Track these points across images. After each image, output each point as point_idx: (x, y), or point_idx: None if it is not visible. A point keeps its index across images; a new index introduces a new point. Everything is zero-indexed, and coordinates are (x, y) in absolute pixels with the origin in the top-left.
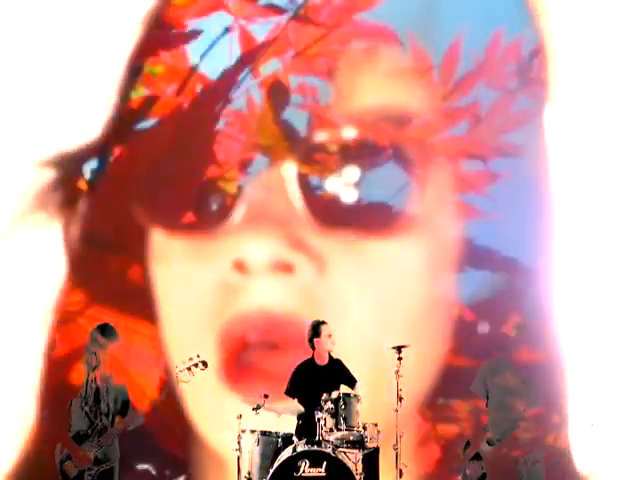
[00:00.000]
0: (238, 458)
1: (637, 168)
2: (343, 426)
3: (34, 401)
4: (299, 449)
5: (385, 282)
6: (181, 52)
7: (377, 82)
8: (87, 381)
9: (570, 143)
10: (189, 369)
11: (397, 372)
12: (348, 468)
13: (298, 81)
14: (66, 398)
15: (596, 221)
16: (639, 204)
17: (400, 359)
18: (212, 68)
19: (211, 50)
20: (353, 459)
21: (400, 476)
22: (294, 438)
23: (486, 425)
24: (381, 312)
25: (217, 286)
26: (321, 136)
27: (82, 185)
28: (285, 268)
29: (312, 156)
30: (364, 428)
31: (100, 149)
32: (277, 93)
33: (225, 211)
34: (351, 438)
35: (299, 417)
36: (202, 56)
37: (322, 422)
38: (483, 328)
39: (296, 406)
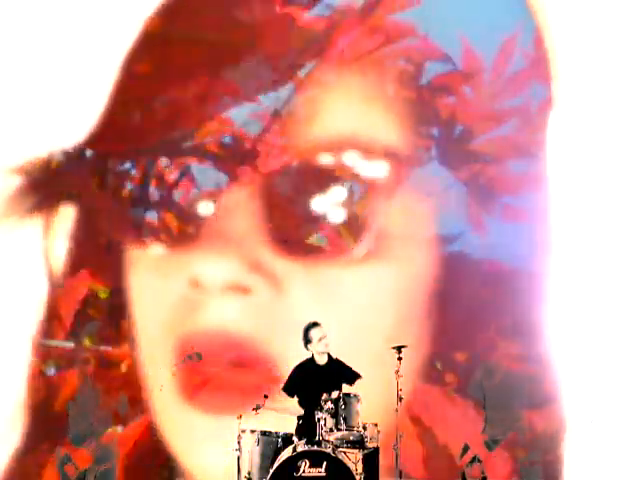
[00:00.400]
0: (238, 458)
1: (636, 167)
2: (343, 426)
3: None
4: (299, 449)
5: (344, 306)
6: None
7: (350, 108)
8: (83, 383)
9: (572, 143)
10: (183, 361)
11: (397, 372)
12: (348, 468)
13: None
14: (53, 407)
15: (593, 222)
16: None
17: (400, 359)
18: None
19: None
20: (353, 459)
21: (400, 476)
22: (294, 438)
23: (484, 427)
24: (339, 336)
25: (175, 302)
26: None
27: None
28: (241, 290)
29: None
30: (364, 428)
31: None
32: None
33: (186, 228)
34: (351, 438)
35: (299, 417)
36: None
37: (322, 422)
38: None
39: (295, 407)
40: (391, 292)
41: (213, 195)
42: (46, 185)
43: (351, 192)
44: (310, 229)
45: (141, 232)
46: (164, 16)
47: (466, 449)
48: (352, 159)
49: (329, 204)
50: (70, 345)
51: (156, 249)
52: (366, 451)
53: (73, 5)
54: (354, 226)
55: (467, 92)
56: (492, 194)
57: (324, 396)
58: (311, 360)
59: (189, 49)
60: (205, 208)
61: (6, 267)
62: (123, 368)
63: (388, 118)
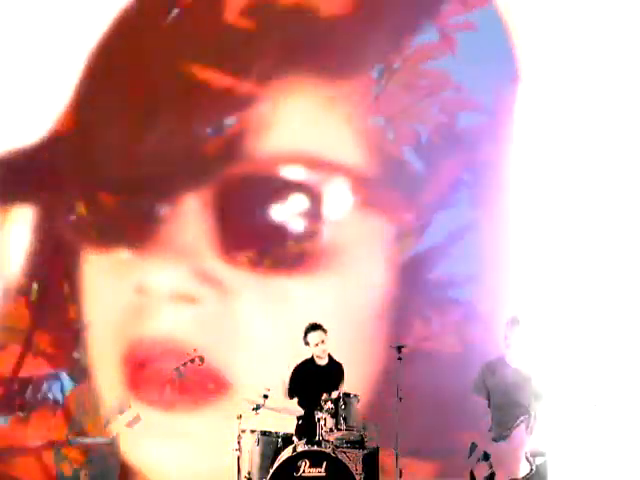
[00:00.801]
0: (238, 458)
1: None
2: (343, 426)
3: None
4: (299, 449)
5: (293, 316)
6: None
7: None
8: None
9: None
10: (184, 365)
11: (397, 372)
12: (348, 468)
13: None
14: None
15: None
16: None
17: (400, 359)
18: None
19: None
20: (353, 459)
21: (400, 476)
22: (294, 438)
23: (490, 425)
24: (286, 346)
25: (125, 307)
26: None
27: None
28: (188, 299)
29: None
30: (364, 428)
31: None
32: None
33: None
34: (351, 438)
35: (299, 417)
36: None
37: (322, 422)
38: None
39: (295, 407)
40: (340, 304)
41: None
42: (2, 185)
43: (306, 205)
44: (265, 240)
45: (93, 235)
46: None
47: (473, 447)
48: (308, 174)
49: (285, 215)
50: None
51: (108, 253)
52: (366, 451)
53: None
54: (308, 238)
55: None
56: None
57: (324, 396)
58: (311, 361)
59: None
60: (158, 215)
61: None
62: None
63: (347, 137)
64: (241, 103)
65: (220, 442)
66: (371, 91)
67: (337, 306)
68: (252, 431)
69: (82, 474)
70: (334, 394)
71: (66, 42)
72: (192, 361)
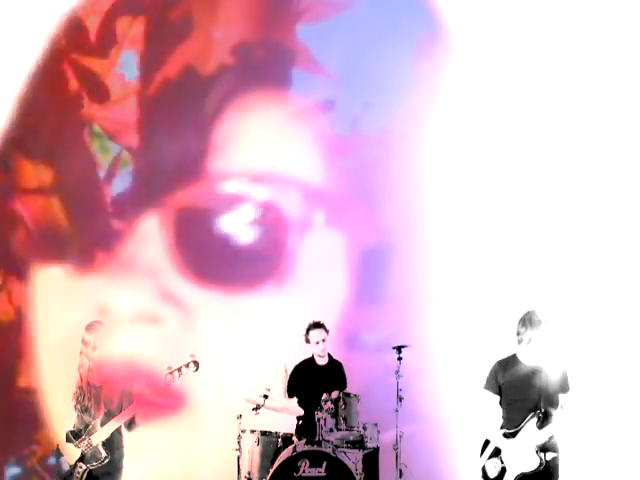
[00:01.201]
0: (238, 458)
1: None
2: (343, 426)
3: None
4: (299, 449)
5: (254, 335)
6: None
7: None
8: (81, 381)
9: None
10: (179, 370)
11: (397, 372)
12: (348, 468)
13: None
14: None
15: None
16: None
17: (400, 359)
18: None
19: None
20: (353, 459)
21: (400, 476)
22: (294, 438)
23: (502, 421)
24: (246, 365)
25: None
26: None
27: None
28: (151, 319)
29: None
30: (364, 428)
31: None
32: None
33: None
34: (351, 438)
35: (299, 417)
36: None
37: (322, 422)
38: None
39: (295, 407)
40: (303, 320)
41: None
42: None
43: (267, 222)
44: (226, 257)
45: (50, 254)
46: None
47: (486, 444)
48: (267, 190)
49: (246, 232)
50: None
51: (65, 273)
52: (366, 451)
53: None
54: (270, 256)
55: None
56: None
57: (324, 396)
58: (311, 360)
59: None
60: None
61: None
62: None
63: (304, 153)
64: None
65: (178, 456)
66: None
67: (299, 322)
68: (252, 431)
69: (75, 472)
70: (334, 394)
71: None
72: (187, 366)
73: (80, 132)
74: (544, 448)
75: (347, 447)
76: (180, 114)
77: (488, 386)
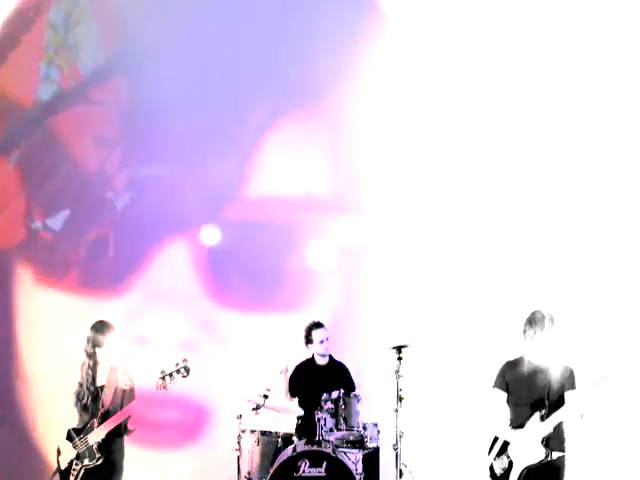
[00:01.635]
0: (238, 458)
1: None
2: (343, 426)
3: None
4: (299, 449)
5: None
6: None
7: None
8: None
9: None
10: (170, 375)
11: (397, 372)
12: (348, 468)
13: None
14: None
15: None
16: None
17: (400, 359)
18: None
19: None
20: (353, 459)
21: (400, 476)
22: (294, 438)
23: (509, 420)
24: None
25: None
26: None
27: None
28: (186, 346)
29: None
30: (364, 428)
31: None
32: None
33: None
34: (351, 438)
35: (299, 417)
36: None
37: (322, 422)
38: None
39: (295, 407)
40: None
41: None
42: None
43: (294, 245)
44: (253, 281)
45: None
46: None
47: (495, 441)
48: (292, 215)
49: (274, 257)
50: None
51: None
52: (366, 451)
53: None
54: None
55: None
56: None
57: (324, 396)
58: (311, 361)
59: None
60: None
61: None
62: None
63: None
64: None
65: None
66: None
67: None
68: (252, 431)
69: (72, 469)
70: (334, 394)
71: None
72: (177, 372)
73: None
74: (549, 442)
75: (347, 447)
76: (213, 141)
77: (497, 384)
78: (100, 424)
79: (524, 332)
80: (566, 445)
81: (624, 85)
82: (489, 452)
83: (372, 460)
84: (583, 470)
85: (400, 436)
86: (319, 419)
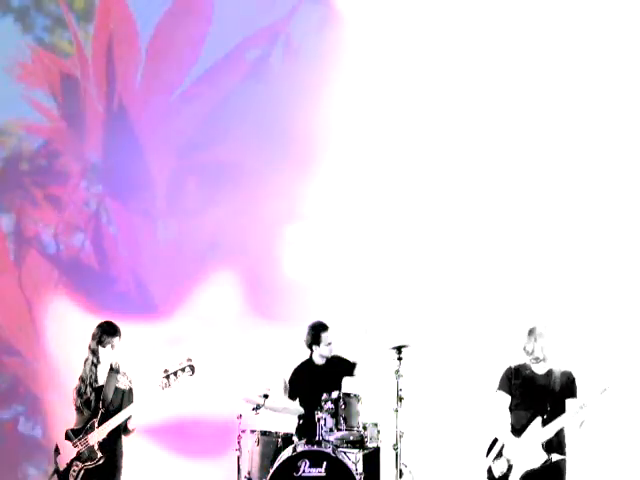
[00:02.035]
0: (238, 458)
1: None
2: (343, 426)
3: None
4: (299, 449)
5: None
6: None
7: None
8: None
9: None
10: (175, 374)
11: (397, 372)
12: (348, 468)
13: None
14: None
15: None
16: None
17: (400, 359)
18: None
19: None
20: (353, 459)
21: (400, 476)
22: (294, 438)
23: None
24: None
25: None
26: None
27: None
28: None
29: None
30: (364, 428)
31: None
32: None
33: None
34: (351, 438)
35: (299, 417)
36: None
37: (322, 422)
38: None
39: (294, 407)
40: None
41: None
42: None
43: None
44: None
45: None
46: None
47: (494, 443)
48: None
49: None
50: None
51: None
52: (366, 451)
53: None
54: None
55: None
56: None
57: (324, 396)
58: (310, 361)
59: None
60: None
61: None
62: None
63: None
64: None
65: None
66: None
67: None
68: (252, 431)
69: (71, 470)
70: (334, 394)
71: None
72: (183, 370)
73: None
74: (549, 444)
75: (347, 447)
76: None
77: (502, 387)
78: (100, 424)
79: (525, 348)
80: (566, 449)
81: (624, 85)
82: (487, 454)
83: (372, 460)
84: (584, 473)
85: (400, 436)
86: (319, 419)
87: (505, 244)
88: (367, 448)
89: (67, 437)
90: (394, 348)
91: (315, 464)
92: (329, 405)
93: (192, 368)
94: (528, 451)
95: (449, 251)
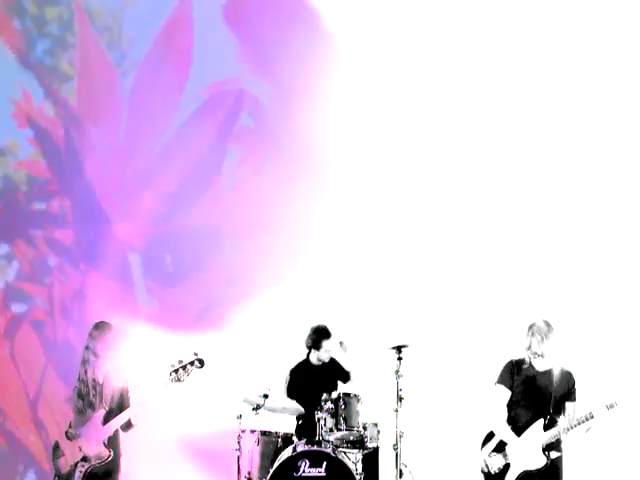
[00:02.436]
0: (238, 458)
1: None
2: (343, 426)
3: None
4: (299, 449)
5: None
6: None
7: None
8: (84, 378)
9: None
10: (184, 367)
11: (397, 372)
12: (348, 468)
13: None
14: None
15: None
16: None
17: (400, 359)
18: None
19: None
20: (353, 459)
21: (400, 476)
22: (294, 438)
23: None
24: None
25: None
26: None
27: None
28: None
29: None
30: (364, 428)
31: None
32: None
33: None
34: (351, 438)
35: (299, 417)
36: None
37: (322, 422)
38: None
39: (294, 407)
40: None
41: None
42: None
43: None
44: None
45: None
46: None
47: (489, 437)
48: None
49: None
50: None
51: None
52: (366, 451)
53: None
54: None
55: None
56: None
57: (324, 396)
58: (306, 362)
59: None
60: None
61: None
62: None
63: None
64: None
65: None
66: None
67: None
68: (252, 431)
69: (77, 471)
70: (334, 394)
71: None
72: (191, 364)
73: None
74: (549, 447)
75: (347, 447)
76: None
77: (502, 381)
78: (105, 422)
79: (528, 346)
80: (563, 445)
81: (623, 86)
82: (482, 446)
83: (372, 460)
84: (582, 470)
85: (400, 436)
86: (319, 419)
87: (505, 245)
88: (367, 448)
89: (68, 438)
90: (394, 348)
91: (315, 464)
92: (329, 405)
93: (201, 361)
94: (528, 452)
95: (449, 251)
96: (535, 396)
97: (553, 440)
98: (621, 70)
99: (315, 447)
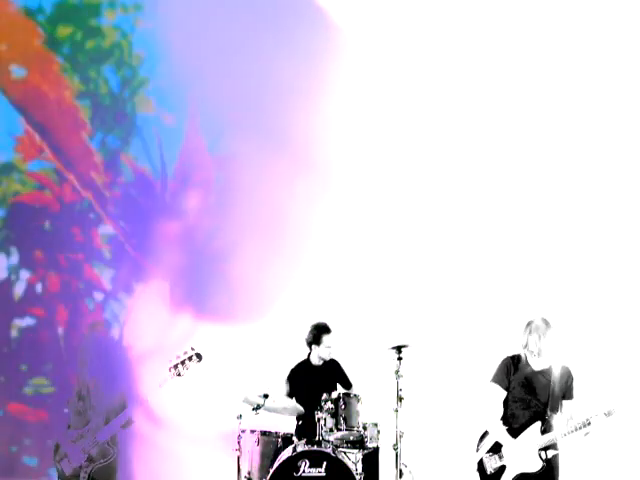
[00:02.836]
0: (238, 458)
1: None
2: (343, 426)
3: None
4: (299, 449)
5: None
6: None
7: None
8: (86, 380)
9: None
10: (183, 363)
11: (397, 372)
12: (348, 468)
13: None
14: None
15: None
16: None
17: (400, 359)
18: None
19: None
20: (353, 459)
21: (400, 476)
22: (294, 438)
23: (507, 417)
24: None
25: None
26: None
27: None
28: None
29: None
30: (364, 428)
31: None
32: None
33: None
34: (351, 438)
35: (299, 417)
36: None
37: (322, 422)
38: None
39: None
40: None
41: None
42: None
43: None
44: None
45: None
46: None
47: (484, 436)
48: None
49: None
50: None
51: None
52: (366, 451)
53: None
54: None
55: None
56: None
57: (324, 396)
58: (307, 361)
59: None
60: None
61: None
62: None
63: None
64: None
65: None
66: None
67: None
68: (252, 431)
69: (82, 472)
70: (334, 394)
71: None
72: (190, 359)
73: None
74: (545, 447)
75: (347, 447)
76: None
77: (498, 380)
78: (107, 422)
79: (525, 344)
80: (559, 444)
81: (623, 86)
82: (478, 444)
83: (372, 460)
84: (578, 470)
85: (400, 436)
86: (319, 419)
87: (504, 245)
88: (367, 448)
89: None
90: (394, 348)
91: (315, 464)
92: (329, 405)
93: (199, 355)
94: (525, 455)
95: (449, 251)
96: (531, 395)
97: (549, 444)
98: (621, 70)
99: (315, 447)
